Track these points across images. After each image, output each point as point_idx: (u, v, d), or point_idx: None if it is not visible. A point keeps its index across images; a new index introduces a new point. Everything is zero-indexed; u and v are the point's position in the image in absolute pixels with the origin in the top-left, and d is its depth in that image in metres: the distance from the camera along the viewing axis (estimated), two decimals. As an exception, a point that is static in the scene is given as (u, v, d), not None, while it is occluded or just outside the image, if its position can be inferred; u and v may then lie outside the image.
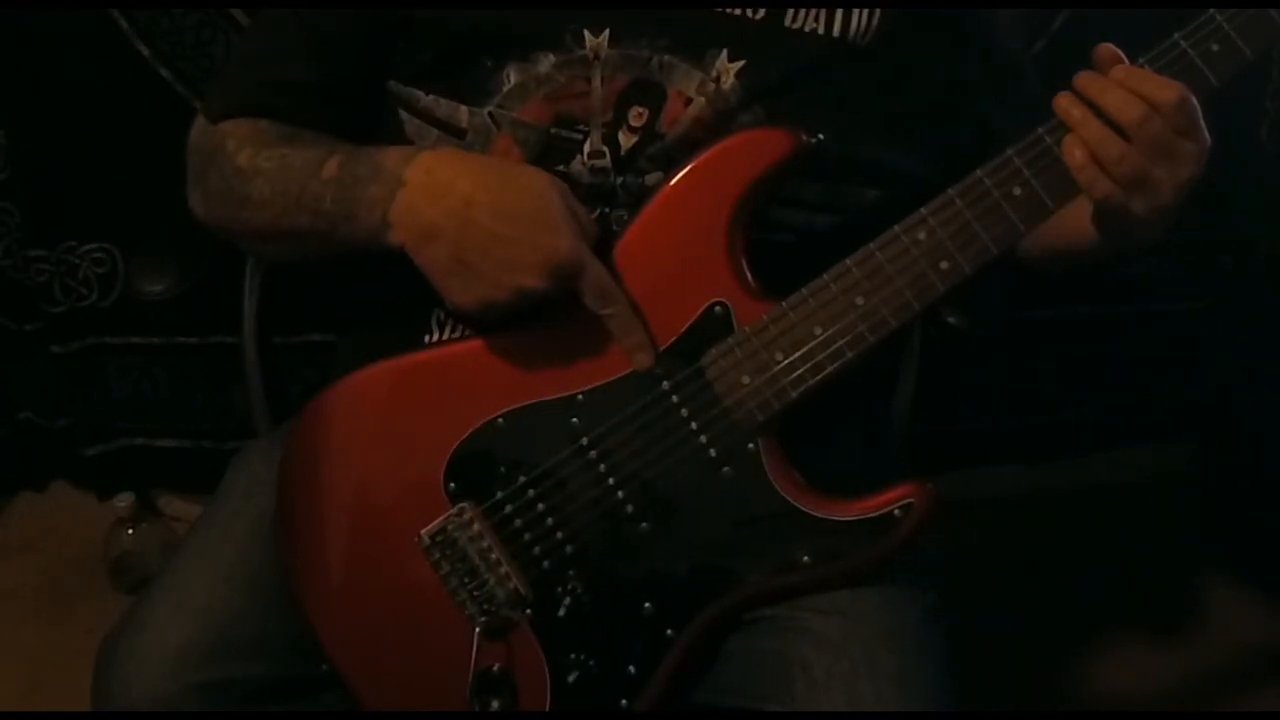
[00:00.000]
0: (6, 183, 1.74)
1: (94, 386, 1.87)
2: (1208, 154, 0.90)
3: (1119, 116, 0.88)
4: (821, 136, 0.95)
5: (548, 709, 0.98)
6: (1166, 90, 0.87)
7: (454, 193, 0.92)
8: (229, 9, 1.61)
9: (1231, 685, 1.74)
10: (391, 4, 1.01)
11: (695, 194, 0.95)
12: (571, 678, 0.97)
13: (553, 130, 0.99)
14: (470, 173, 0.94)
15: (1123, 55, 0.90)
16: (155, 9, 1.61)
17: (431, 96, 1.02)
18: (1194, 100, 0.88)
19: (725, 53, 0.98)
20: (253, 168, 1.00)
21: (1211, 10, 0.90)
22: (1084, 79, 0.90)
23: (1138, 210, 0.90)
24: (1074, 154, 0.89)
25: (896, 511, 0.94)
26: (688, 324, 0.95)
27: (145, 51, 1.63)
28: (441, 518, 0.98)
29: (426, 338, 1.04)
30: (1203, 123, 0.89)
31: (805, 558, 0.95)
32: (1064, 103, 0.90)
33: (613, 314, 0.94)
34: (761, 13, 0.98)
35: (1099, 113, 0.88)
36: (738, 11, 0.98)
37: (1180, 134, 0.88)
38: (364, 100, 1.05)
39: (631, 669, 0.97)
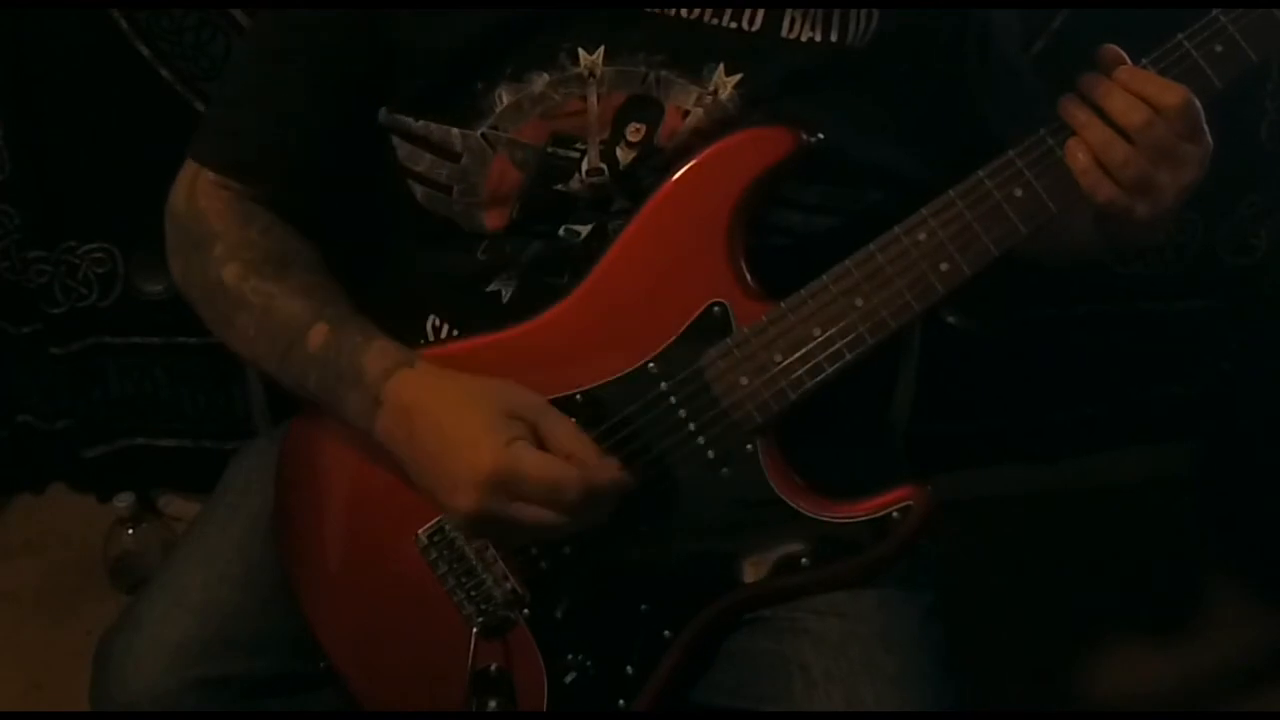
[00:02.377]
0: (6, 183, 1.74)
1: (94, 387, 1.87)
2: (1210, 157, 0.90)
3: (1122, 120, 0.88)
4: (821, 135, 0.94)
5: (545, 709, 0.98)
6: (1170, 94, 0.87)
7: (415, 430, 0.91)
8: (229, 9, 1.61)
9: (1231, 685, 1.74)
10: (378, 30, 0.97)
11: (695, 193, 0.95)
12: (569, 678, 0.97)
13: (549, 149, 0.97)
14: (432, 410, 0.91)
15: (1125, 56, 0.90)
16: (155, 9, 1.61)
17: (422, 123, 0.98)
18: (1198, 104, 0.88)
19: (722, 66, 0.95)
20: (239, 294, 0.97)
21: (1216, 11, 0.89)
22: (1088, 81, 0.90)
23: (1140, 213, 0.90)
24: (1077, 157, 0.89)
25: (895, 513, 0.94)
26: (686, 324, 0.95)
27: (145, 51, 1.63)
28: (438, 517, 0.98)
29: (422, 340, 1.03)
30: (1206, 126, 0.89)
31: (803, 559, 0.95)
32: (1069, 105, 0.90)
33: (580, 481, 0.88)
34: (758, 24, 0.96)
35: (1102, 115, 0.88)
36: (734, 25, 0.96)
37: (1183, 138, 0.88)
38: (352, 143, 1.02)
39: (629, 669, 0.97)
